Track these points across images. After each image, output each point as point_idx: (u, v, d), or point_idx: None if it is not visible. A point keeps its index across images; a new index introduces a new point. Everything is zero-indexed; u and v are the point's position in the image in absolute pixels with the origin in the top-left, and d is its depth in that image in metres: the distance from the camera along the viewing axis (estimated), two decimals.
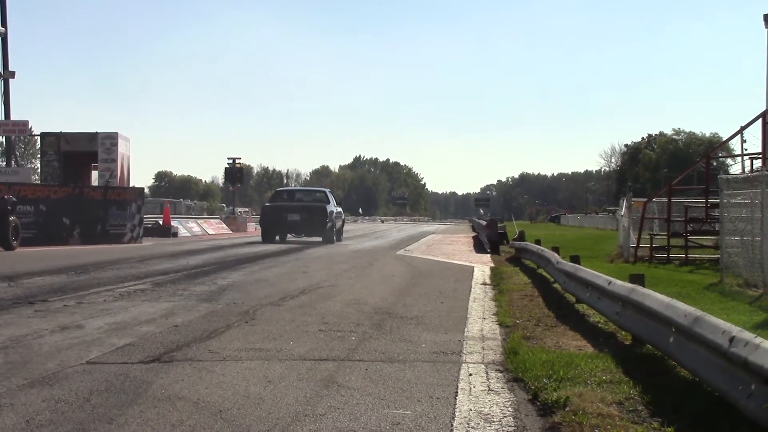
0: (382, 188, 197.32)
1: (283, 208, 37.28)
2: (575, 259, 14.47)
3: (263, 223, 37.71)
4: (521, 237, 31.69)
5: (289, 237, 39.29)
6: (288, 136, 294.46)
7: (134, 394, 7.06)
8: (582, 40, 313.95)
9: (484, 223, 40.05)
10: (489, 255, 29.40)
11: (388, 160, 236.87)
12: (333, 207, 38.86)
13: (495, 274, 20.70)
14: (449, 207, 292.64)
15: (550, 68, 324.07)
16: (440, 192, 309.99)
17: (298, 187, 54.98)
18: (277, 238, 37.94)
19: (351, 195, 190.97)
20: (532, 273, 20.31)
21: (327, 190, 42.61)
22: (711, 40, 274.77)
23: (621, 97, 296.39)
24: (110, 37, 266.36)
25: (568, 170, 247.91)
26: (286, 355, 8.89)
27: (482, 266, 23.80)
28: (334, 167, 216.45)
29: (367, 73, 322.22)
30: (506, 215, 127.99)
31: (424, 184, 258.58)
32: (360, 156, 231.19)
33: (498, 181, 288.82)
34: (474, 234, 53.44)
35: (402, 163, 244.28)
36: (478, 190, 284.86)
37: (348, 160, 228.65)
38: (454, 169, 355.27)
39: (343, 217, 43.76)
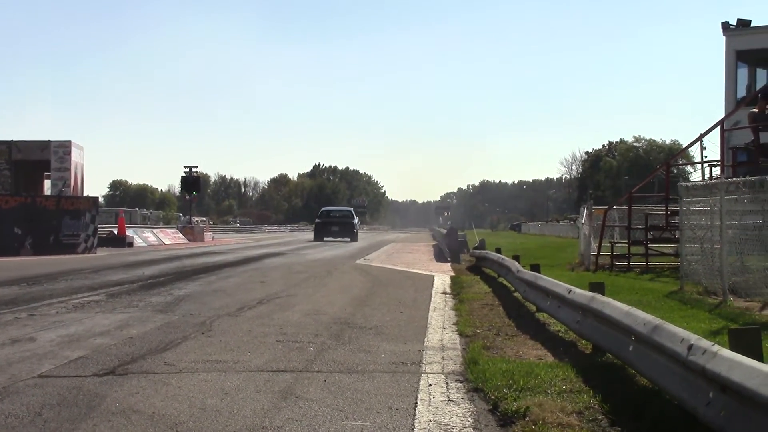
0: (341, 196, 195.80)
1: (327, 223, 60.62)
2: (535, 268, 14.55)
3: (317, 229, 60.55)
4: (482, 245, 31.90)
5: (328, 239, 58.64)
6: (246, 144, 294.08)
7: (87, 407, 7.01)
8: (542, 46, 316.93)
9: (445, 231, 40.80)
10: (449, 264, 29.53)
11: (347, 168, 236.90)
12: (356, 220, 63.19)
13: (455, 283, 20.83)
14: (409, 215, 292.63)
15: (510, 75, 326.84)
16: (400, 200, 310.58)
17: (333, 208, 78.18)
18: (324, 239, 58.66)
19: (310, 203, 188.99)
20: (492, 282, 20.42)
21: (351, 209, 68.80)
22: (671, 46, 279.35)
23: (582, 103, 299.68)
24: (63, 42, 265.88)
25: (529, 178, 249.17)
26: (243, 367, 8.88)
27: (442, 275, 23.88)
28: (293, 175, 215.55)
29: (327, 79, 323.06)
30: (467, 224, 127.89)
31: (384, 192, 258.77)
32: (319, 164, 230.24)
33: (459, 189, 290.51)
34: (434, 242, 53.70)
35: (362, 171, 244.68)
36: (438, 199, 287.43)
37: (307, 167, 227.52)
38: (414, 177, 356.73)
39: (359, 223, 67.47)
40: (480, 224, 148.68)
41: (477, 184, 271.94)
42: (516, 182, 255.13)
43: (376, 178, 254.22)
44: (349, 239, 60.68)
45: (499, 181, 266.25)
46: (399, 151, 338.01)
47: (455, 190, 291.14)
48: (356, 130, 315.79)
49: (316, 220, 63.82)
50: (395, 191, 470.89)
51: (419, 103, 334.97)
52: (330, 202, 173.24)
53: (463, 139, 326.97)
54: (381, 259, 33.23)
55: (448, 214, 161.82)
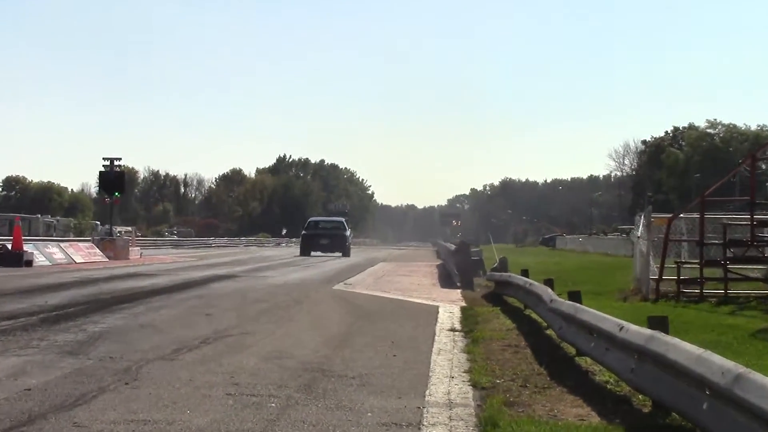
0: (314, 199, 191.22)
1: (315, 235, 69.59)
2: (575, 296, 14.47)
3: (303, 243, 69.58)
4: (503, 266, 31.89)
5: (316, 253, 66.80)
6: (187, 131, 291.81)
7: None
8: (583, 7, 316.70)
9: (453, 247, 40.92)
10: (459, 291, 29.59)
11: (322, 161, 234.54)
12: (348, 232, 73.72)
13: (467, 316, 20.72)
14: (406, 225, 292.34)
15: (539, 46, 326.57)
16: (394, 205, 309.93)
17: (322, 218, 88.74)
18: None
19: (272, 208, 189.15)
20: (517, 315, 20.33)
21: (343, 219, 78.39)
22: (757, 2, 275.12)
23: (637, 79, 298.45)
24: None
25: (566, 176, 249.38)
26: (180, 429, 8.78)
27: (450, 306, 23.80)
28: (250, 171, 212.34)
29: (297, 52, 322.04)
30: (483, 236, 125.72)
31: (372, 194, 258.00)
32: (285, 156, 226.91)
33: (472, 190, 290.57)
34: (439, 262, 54.63)
35: (342, 166, 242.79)
36: (444, 203, 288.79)
37: (268, 161, 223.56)
38: (413, 176, 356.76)
39: (351, 236, 78.68)
40: (500, 237, 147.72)
41: (496, 184, 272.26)
42: (548, 181, 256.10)
43: (360, 175, 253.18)
44: (340, 253, 68.43)
45: (526, 180, 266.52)
46: (392, 142, 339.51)
47: (466, 192, 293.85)
48: (335, 113, 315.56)
49: (303, 232, 72.58)
50: (388, 194, 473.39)
51: (419, 79, 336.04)
52: (299, 206, 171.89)
53: (477, 127, 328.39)
54: (367, 283, 33.24)
55: (458, 224, 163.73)
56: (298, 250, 70.71)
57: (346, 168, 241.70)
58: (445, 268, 42.34)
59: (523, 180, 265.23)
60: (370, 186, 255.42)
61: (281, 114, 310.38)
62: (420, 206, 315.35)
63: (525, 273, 23.79)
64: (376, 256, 69.70)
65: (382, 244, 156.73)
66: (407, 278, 37.52)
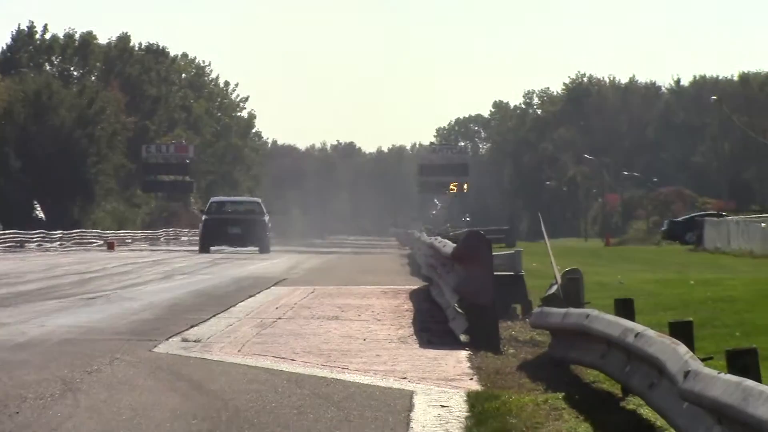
0: (107, 126, 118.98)
1: (220, 221, 59.04)
2: (745, 362, 8.83)
3: (204, 232, 58.87)
4: (571, 292, 18.23)
5: (220, 248, 58.12)
6: None
7: None
8: None
9: (451, 247, 22.46)
10: (464, 353, 17.12)
11: (137, 45, 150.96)
12: (267, 218, 60.59)
13: (484, 419, 11.37)
14: (338, 193, 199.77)
15: None
16: (305, 147, 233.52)
17: (228, 198, 76.46)
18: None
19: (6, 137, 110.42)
20: (606, 411, 11.92)
21: (259, 200, 66.61)
22: None
23: None
24: None
25: (726, 73, 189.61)
26: None
27: (441, 391, 13.38)
28: None
29: None
30: (522, 220, 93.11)
31: (254, 119, 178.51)
32: (33, 29, 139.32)
33: (496, 106, 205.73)
34: (416, 283, 32.75)
35: (174, 53, 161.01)
36: (428, 141, 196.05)
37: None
38: (348, 83, 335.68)
39: (270, 221, 63.27)
40: (567, 223, 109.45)
41: (553, 89, 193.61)
42: (682, 83, 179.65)
43: (229, 76, 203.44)
44: (257, 248, 58.16)
45: (614, 80, 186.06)
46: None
47: (482, 112, 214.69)
48: None
49: (204, 217, 61.40)
50: (300, 127, 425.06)
51: None
52: (72, 144, 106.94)
53: None
54: (243, 336, 19.48)
55: (464, 189, 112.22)
56: (82, 256, 54.71)
57: (186, 57, 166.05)
58: (431, 298, 25.61)
59: (609, 79, 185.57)
60: (245, 99, 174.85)
61: None
62: (369, 149, 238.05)
63: (625, 307, 13.88)
64: (267, 269, 45.45)
65: (282, 237, 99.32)
66: (341, 323, 21.67)
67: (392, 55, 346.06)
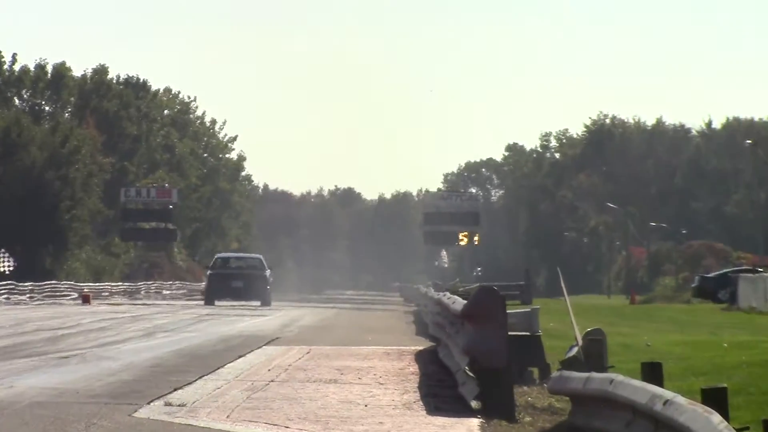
0: (82, 167, 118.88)
1: (224, 276, 68.14)
2: None
3: (209, 287, 67.90)
4: (593, 354, 19.20)
5: (223, 302, 64.66)
6: None
7: None
8: None
9: (461, 304, 22.99)
10: (476, 420, 18.15)
11: (115, 78, 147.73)
12: (269, 272, 69.97)
13: None
14: (335, 243, 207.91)
15: None
16: (300, 194, 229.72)
17: (232, 254, 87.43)
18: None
19: None
20: None
21: (260, 257, 75.24)
22: None
23: None
24: None
25: (762, 114, 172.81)
26: None
27: None
28: None
29: None
30: (539, 274, 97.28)
31: (244, 162, 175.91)
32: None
33: (510, 150, 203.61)
34: (422, 344, 34.36)
35: (158, 87, 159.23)
36: (436, 188, 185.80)
37: None
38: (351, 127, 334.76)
39: (271, 276, 73.31)
40: (587, 277, 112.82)
41: (572, 131, 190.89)
42: (714, 126, 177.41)
43: (216, 114, 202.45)
44: (258, 302, 65.21)
45: (656, 124, 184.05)
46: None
47: (494, 156, 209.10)
48: None
49: (209, 272, 71.27)
50: (294, 170, 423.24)
51: None
52: (34, 183, 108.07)
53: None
54: (232, 400, 20.09)
55: (475, 241, 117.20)
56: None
57: (169, 91, 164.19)
58: (439, 360, 26.30)
59: (640, 122, 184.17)
60: (234, 142, 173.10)
61: None
62: (370, 196, 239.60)
63: (653, 372, 14.68)
64: (258, 327, 45.77)
65: (274, 292, 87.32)
66: (340, 387, 22.64)
67: (395, 93, 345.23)
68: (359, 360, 29.33)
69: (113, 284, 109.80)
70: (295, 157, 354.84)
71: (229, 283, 66.49)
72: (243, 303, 64.19)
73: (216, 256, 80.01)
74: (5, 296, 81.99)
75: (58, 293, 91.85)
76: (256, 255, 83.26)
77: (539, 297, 73.34)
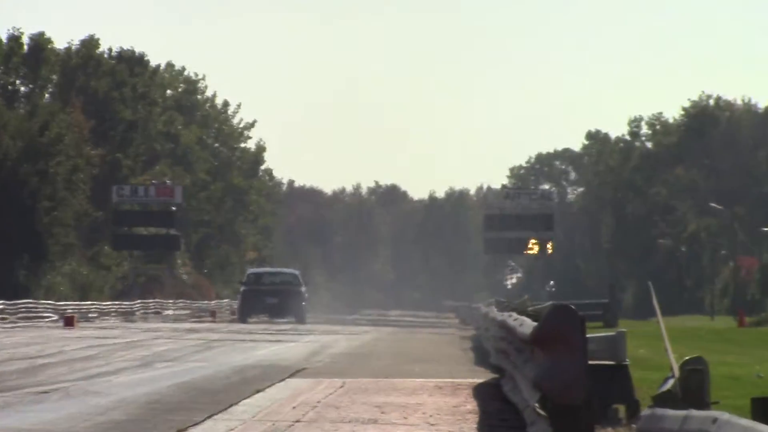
0: (65, 160, 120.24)
1: (257, 292, 75.92)
2: None
3: (242, 303, 76.45)
4: (694, 387, 19.89)
5: (255, 319, 71.34)
6: None
7: None
8: None
9: (528, 328, 21.97)
10: None
11: (106, 51, 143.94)
12: (304, 288, 78.90)
13: None
14: (377, 252, 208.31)
15: None
16: (331, 191, 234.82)
17: (266, 269, 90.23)
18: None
19: None
20: None
21: (296, 272, 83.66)
22: None
23: None
24: None
25: None
26: None
27: None
28: None
29: None
30: (630, 290, 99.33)
31: (262, 148, 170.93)
32: None
33: (591, 132, 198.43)
34: (483, 376, 34.74)
35: (164, 63, 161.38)
36: (499, 184, 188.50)
37: None
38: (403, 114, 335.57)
39: (306, 292, 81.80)
40: (681, 295, 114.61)
41: (667, 114, 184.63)
42: None
43: (229, 95, 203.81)
44: (293, 318, 74.02)
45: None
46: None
47: (570, 145, 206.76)
48: None
49: (242, 288, 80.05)
50: (325, 164, 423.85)
51: None
52: (7, 179, 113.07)
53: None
54: None
55: (548, 250, 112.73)
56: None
57: (172, 67, 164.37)
58: (502, 395, 26.11)
59: (750, 103, 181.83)
60: (252, 129, 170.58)
61: None
62: (419, 194, 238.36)
63: (765, 409, 13.17)
64: (280, 355, 46.20)
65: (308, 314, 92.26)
66: (381, 429, 22.67)
67: (449, 72, 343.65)
68: (404, 395, 29.70)
69: (102, 303, 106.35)
70: (325, 148, 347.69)
71: (264, 300, 75.32)
72: (277, 320, 70.21)
73: (248, 271, 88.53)
74: None
75: (35, 314, 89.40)
76: (291, 270, 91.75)
77: (626, 318, 73.09)
